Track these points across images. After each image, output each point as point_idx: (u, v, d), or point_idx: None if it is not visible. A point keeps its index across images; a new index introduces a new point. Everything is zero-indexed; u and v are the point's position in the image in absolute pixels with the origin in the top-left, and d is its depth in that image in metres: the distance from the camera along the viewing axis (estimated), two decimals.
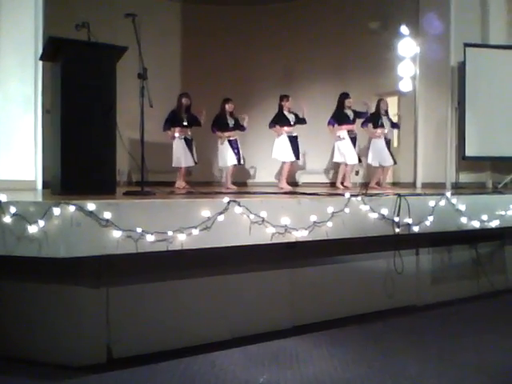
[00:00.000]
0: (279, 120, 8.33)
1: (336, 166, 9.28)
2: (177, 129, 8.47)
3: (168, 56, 10.95)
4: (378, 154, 8.69)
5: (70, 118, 4.46)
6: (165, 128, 8.45)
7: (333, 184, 9.62)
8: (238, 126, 8.60)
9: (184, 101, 8.50)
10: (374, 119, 8.71)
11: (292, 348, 4.07)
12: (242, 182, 10.82)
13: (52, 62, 4.82)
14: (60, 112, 4.45)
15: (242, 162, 8.81)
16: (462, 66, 8.97)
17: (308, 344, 4.17)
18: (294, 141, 8.33)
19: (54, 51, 4.59)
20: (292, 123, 8.38)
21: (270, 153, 8.64)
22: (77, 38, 4.70)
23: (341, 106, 8.51)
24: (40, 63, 6.39)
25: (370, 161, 8.86)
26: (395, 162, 8.82)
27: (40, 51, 5.59)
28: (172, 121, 8.42)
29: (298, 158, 8.48)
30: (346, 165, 8.56)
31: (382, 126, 8.69)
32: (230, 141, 8.47)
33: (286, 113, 8.38)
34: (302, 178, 11.09)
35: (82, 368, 3.60)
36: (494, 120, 8.93)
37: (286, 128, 8.32)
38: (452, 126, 9.15)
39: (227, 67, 11.30)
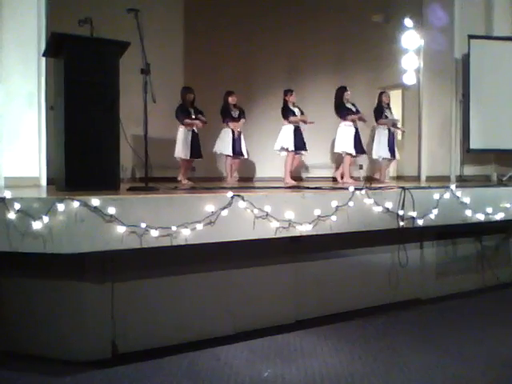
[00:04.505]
0: (289, 112, 8.32)
1: (339, 160, 9.22)
2: (185, 121, 8.51)
3: (171, 51, 10.91)
4: (383, 148, 8.66)
5: (73, 114, 4.46)
6: (181, 120, 8.50)
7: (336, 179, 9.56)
8: (241, 117, 8.79)
9: (189, 96, 8.53)
10: (377, 113, 8.69)
11: (296, 342, 4.08)
12: (245, 176, 10.82)
13: (55, 58, 4.82)
14: (63, 108, 4.45)
15: (246, 155, 8.91)
16: (466, 58, 8.92)
17: (312, 338, 4.18)
18: (298, 132, 8.33)
19: (57, 47, 4.59)
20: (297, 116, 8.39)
21: (273, 148, 8.63)
22: (80, 33, 4.71)
23: (340, 99, 8.45)
24: (43, 59, 6.39)
25: (374, 155, 8.84)
26: (395, 157, 8.82)
27: (43, 47, 5.59)
28: (182, 113, 8.48)
29: (304, 149, 8.44)
30: (351, 155, 8.49)
31: (386, 118, 8.69)
32: (233, 132, 8.57)
33: (290, 106, 8.37)
34: (305, 172, 11.08)
35: (87, 363, 3.62)
36: (498, 112, 8.88)
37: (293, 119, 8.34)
38: (456, 119, 9.11)
39: (230, 62, 11.27)
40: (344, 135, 8.40)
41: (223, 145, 8.70)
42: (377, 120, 8.74)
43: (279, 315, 4.49)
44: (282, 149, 8.29)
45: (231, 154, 8.70)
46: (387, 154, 8.67)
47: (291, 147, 8.18)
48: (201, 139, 8.78)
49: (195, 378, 3.39)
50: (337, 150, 8.63)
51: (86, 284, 3.71)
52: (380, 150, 8.69)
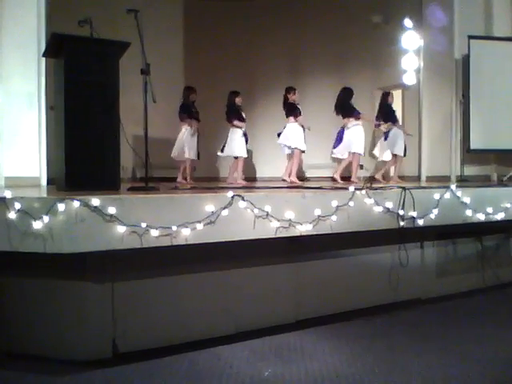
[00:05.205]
0: (296, 110, 8.24)
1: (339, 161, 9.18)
2: (188, 121, 8.48)
3: (171, 51, 10.94)
4: (396, 144, 8.67)
5: (73, 114, 4.46)
6: (182, 118, 8.46)
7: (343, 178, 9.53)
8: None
9: (192, 95, 8.51)
10: (391, 113, 8.70)
11: (297, 342, 4.07)
12: (246, 176, 10.81)
13: (55, 59, 4.82)
14: (63, 108, 4.45)
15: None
16: (466, 59, 8.94)
17: (313, 338, 4.17)
18: (303, 133, 8.31)
19: (57, 48, 4.60)
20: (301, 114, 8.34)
21: (275, 148, 8.62)
22: (80, 34, 4.72)
23: (349, 99, 8.41)
24: (43, 60, 6.41)
25: (382, 153, 8.88)
26: (405, 155, 8.85)
27: (43, 48, 5.60)
28: (187, 113, 8.44)
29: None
30: (354, 154, 8.45)
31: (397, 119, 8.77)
32: (244, 133, 8.45)
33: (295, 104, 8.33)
34: (306, 172, 11.09)
35: (87, 363, 3.61)
36: (498, 112, 8.90)
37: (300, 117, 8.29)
38: (456, 119, 9.13)
39: (230, 62, 11.29)
40: (358, 135, 8.32)
41: (242, 147, 8.39)
42: (393, 121, 8.73)
43: (279, 315, 4.49)
44: (291, 147, 8.23)
45: (246, 155, 8.57)
46: (400, 151, 8.72)
47: (303, 147, 8.17)
48: (201, 139, 8.81)
49: (196, 378, 3.39)
50: (354, 150, 8.39)
51: (86, 284, 3.71)
52: (397, 148, 8.71)
